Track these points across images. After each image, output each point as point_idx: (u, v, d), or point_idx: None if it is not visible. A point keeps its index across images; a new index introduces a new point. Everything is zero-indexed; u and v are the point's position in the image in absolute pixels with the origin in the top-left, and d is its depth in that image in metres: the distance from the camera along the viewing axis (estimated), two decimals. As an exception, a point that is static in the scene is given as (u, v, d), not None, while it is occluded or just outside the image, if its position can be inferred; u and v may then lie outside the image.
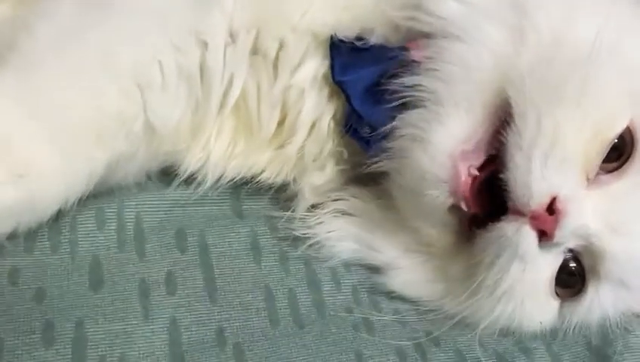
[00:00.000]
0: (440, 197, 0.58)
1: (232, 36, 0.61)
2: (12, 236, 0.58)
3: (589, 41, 0.56)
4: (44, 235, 0.59)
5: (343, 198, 0.67)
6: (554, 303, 0.63)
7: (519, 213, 0.56)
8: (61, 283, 0.57)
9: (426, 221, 0.62)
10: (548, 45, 0.57)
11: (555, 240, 0.56)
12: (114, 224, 0.62)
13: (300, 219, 0.66)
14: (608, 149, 0.57)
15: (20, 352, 0.52)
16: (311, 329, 0.61)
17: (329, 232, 0.66)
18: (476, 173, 0.57)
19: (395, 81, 0.59)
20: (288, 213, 0.67)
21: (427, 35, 0.60)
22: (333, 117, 0.65)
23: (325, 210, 0.67)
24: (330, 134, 0.65)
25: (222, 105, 0.64)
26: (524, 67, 0.56)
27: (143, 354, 0.54)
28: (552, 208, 0.55)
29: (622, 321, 0.65)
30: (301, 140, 0.65)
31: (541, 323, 0.63)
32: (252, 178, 0.67)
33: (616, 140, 0.57)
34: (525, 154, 0.55)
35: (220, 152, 0.66)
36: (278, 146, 0.67)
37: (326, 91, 0.64)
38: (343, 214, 0.67)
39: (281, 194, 0.69)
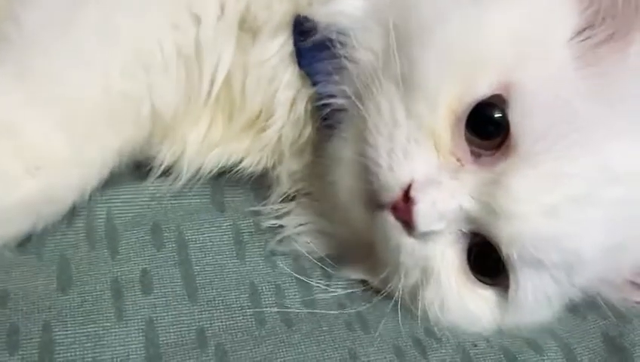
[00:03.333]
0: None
1: (222, 7, 0.60)
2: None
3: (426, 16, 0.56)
4: (8, 234, 0.57)
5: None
6: (484, 292, 0.60)
7: (383, 205, 0.57)
8: (26, 284, 0.55)
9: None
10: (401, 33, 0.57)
11: (420, 228, 0.55)
12: (83, 220, 0.60)
13: (275, 208, 0.66)
14: (463, 124, 0.55)
15: (-18, 358, 0.49)
16: (300, 328, 0.58)
17: (299, 225, 0.65)
18: None
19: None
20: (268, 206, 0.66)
21: None
22: (310, 100, 0.63)
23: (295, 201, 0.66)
24: (308, 118, 0.64)
25: (210, 87, 0.62)
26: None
27: (117, 357, 0.52)
28: (407, 196, 0.55)
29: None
30: (281, 122, 0.63)
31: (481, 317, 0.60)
32: (232, 168, 0.66)
33: (498, 115, 0.54)
34: (373, 148, 0.56)
35: (196, 143, 0.64)
36: (257, 132, 0.65)
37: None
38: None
39: (261, 184, 0.67)
